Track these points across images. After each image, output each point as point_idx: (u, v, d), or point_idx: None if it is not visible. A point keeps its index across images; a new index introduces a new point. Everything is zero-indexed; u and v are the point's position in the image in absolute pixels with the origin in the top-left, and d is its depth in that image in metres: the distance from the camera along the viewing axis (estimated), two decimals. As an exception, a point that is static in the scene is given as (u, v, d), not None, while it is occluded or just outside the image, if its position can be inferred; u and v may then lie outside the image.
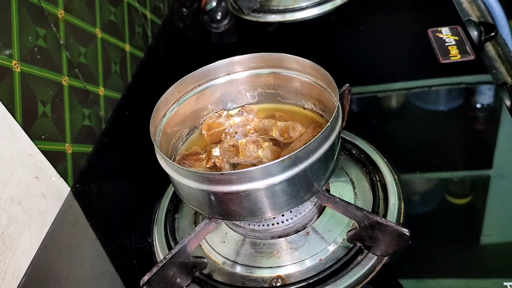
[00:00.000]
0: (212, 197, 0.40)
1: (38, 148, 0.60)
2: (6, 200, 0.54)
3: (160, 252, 0.53)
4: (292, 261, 0.47)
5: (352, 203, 0.46)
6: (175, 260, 0.43)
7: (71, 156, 0.67)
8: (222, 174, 0.38)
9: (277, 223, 0.48)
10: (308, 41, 0.85)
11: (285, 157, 0.37)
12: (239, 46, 0.95)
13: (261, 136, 0.50)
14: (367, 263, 0.45)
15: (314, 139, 0.38)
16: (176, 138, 0.53)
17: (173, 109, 0.51)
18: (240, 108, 0.55)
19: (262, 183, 0.38)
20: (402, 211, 0.50)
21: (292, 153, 0.37)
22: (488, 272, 0.42)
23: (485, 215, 0.48)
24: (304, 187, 0.40)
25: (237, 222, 0.50)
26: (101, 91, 0.78)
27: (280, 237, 0.48)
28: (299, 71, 0.50)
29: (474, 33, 0.73)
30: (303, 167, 0.38)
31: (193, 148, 0.52)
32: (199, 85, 0.53)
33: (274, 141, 0.49)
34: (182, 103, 0.52)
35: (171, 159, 0.45)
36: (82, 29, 0.73)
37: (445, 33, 0.74)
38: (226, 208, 0.41)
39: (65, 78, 0.67)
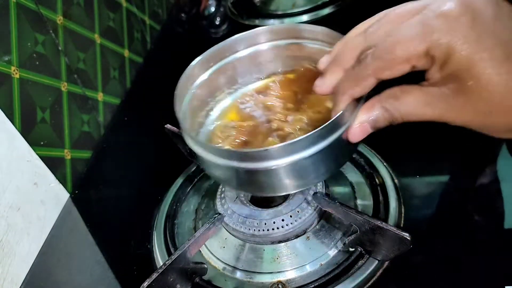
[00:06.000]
0: (242, 173, 0.40)
1: (37, 154, 0.60)
2: (5, 206, 0.54)
3: (160, 258, 0.52)
4: (293, 266, 0.47)
5: (352, 207, 0.46)
6: (174, 266, 0.43)
7: (70, 162, 0.67)
8: (266, 150, 0.37)
9: (277, 228, 0.48)
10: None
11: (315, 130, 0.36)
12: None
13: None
14: (368, 268, 0.44)
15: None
16: (201, 114, 0.52)
17: (196, 86, 0.50)
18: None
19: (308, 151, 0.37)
20: (403, 215, 0.50)
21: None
22: (489, 276, 0.42)
23: (486, 218, 0.48)
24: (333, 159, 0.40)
25: (237, 228, 0.49)
26: (100, 96, 0.78)
27: (280, 242, 0.48)
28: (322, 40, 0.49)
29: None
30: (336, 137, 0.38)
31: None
32: (220, 60, 0.52)
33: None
34: (203, 80, 0.51)
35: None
36: (81, 35, 0.73)
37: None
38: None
39: (64, 84, 0.67)
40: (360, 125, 0.37)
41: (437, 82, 0.32)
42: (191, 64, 0.49)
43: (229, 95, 0.54)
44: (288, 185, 0.40)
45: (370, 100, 0.36)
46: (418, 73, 0.33)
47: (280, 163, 0.37)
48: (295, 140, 0.36)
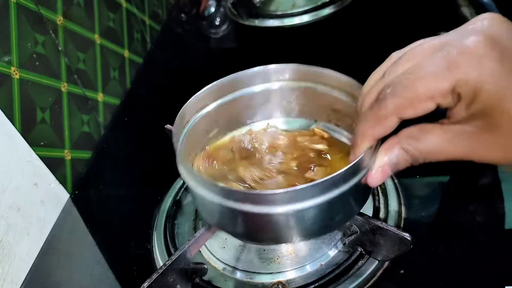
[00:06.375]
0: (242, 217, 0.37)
1: (37, 154, 0.60)
2: (5, 207, 0.54)
3: (160, 258, 0.52)
4: (293, 266, 0.47)
5: (353, 207, 0.46)
6: (174, 266, 0.43)
7: (70, 163, 0.67)
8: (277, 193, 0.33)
9: (277, 228, 0.48)
10: (307, 46, 0.85)
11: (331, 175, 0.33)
12: (238, 51, 0.96)
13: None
14: (368, 268, 0.44)
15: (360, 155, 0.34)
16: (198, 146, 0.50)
17: (195, 120, 0.48)
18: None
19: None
20: (403, 215, 0.50)
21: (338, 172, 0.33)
22: (489, 276, 0.42)
23: (486, 219, 0.48)
24: (340, 212, 0.37)
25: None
26: (100, 97, 0.78)
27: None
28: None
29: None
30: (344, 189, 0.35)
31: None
32: (227, 94, 0.50)
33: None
34: (205, 114, 0.49)
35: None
36: (81, 35, 0.73)
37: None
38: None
39: (64, 85, 0.67)
40: (380, 168, 0.35)
41: (461, 120, 0.30)
42: (196, 94, 0.47)
43: (229, 132, 0.52)
44: (294, 234, 0.37)
45: (388, 141, 0.34)
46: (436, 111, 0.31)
47: (292, 209, 0.34)
48: (314, 183, 0.33)
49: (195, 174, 0.38)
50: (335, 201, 0.35)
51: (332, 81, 0.47)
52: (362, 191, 0.38)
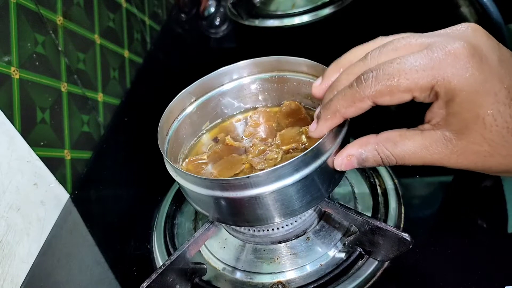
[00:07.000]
0: (223, 202, 0.39)
1: (37, 154, 0.60)
2: (5, 207, 0.54)
3: (160, 258, 0.52)
4: (293, 266, 0.47)
5: (352, 208, 0.46)
6: (174, 266, 0.43)
7: (70, 163, 0.67)
8: (248, 177, 0.36)
9: (277, 228, 0.48)
10: (307, 46, 0.85)
11: (295, 158, 0.35)
12: (237, 51, 0.96)
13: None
14: (368, 268, 0.44)
15: (323, 137, 0.37)
16: (184, 145, 0.52)
17: (180, 119, 0.50)
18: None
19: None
20: (403, 215, 0.50)
21: (300, 155, 0.36)
22: (489, 276, 0.42)
23: (486, 219, 0.48)
24: (314, 190, 0.39)
25: (237, 228, 0.50)
26: (100, 97, 0.78)
27: (280, 242, 0.48)
28: (305, 72, 0.49)
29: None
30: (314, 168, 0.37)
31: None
32: (206, 93, 0.52)
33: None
34: (188, 113, 0.51)
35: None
36: (80, 36, 0.73)
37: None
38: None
39: (64, 85, 0.67)
40: (348, 156, 0.36)
41: (439, 122, 0.32)
42: (176, 96, 0.49)
43: (214, 127, 0.54)
44: (273, 215, 0.39)
45: (366, 137, 0.36)
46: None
47: (264, 191, 0.37)
48: (280, 166, 0.35)
49: (180, 170, 0.40)
50: (297, 184, 0.37)
51: (303, 68, 0.49)
52: (330, 173, 0.39)
